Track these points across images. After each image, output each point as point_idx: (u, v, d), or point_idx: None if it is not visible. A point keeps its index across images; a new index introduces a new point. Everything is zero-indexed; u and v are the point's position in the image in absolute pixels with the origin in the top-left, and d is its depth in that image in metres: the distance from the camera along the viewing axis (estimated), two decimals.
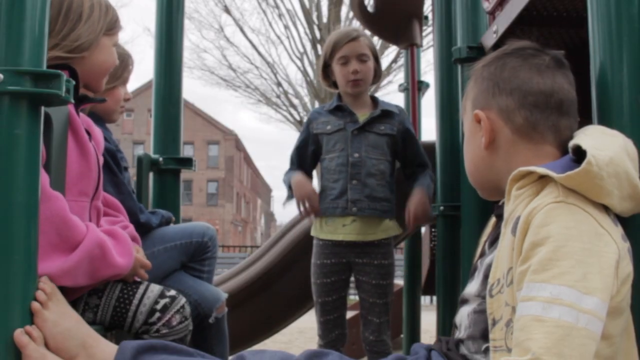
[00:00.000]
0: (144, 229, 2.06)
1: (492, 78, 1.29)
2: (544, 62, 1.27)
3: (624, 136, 1.18)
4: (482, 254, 1.34)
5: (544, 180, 1.11)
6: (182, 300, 1.66)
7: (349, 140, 2.48)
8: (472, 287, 1.31)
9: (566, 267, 1.01)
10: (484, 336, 1.20)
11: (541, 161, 1.19)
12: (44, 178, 1.36)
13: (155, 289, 1.65)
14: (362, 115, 2.53)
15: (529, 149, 1.23)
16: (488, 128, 1.26)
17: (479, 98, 1.30)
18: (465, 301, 1.32)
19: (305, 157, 2.59)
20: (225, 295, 2.19)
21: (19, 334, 1.23)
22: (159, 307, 1.61)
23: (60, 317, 1.34)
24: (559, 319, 0.99)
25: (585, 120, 1.32)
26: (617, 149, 1.12)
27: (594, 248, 1.03)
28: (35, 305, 1.29)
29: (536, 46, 1.31)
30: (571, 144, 1.17)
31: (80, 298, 1.60)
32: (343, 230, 2.45)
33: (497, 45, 2.12)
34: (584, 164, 1.07)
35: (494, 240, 1.29)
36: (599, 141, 1.13)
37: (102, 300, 1.61)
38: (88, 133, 1.66)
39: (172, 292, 1.66)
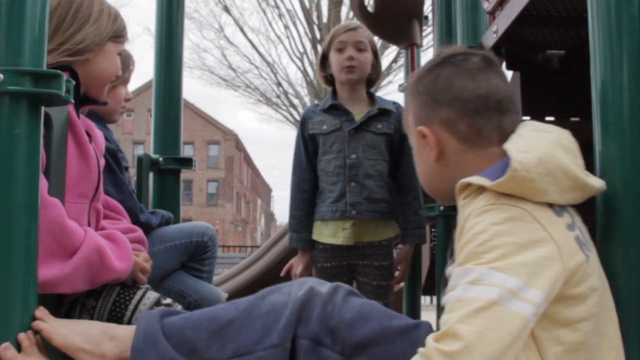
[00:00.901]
0: (144, 229, 2.05)
1: (428, 92, 1.28)
2: (474, 65, 1.27)
3: (559, 129, 1.19)
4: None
5: (483, 188, 1.13)
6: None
7: (346, 141, 2.44)
8: (444, 298, 1.32)
9: (490, 257, 1.02)
10: None
11: (491, 165, 1.20)
12: (42, 184, 1.36)
13: (151, 296, 1.64)
14: (358, 112, 2.49)
15: (478, 155, 1.23)
16: (434, 142, 1.26)
17: (420, 113, 1.30)
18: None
19: (310, 157, 2.55)
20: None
21: (4, 349, 1.21)
22: None
23: (65, 322, 1.34)
24: (479, 296, 0.99)
25: (585, 120, 1.32)
26: (547, 146, 1.13)
27: (524, 242, 1.04)
28: (36, 322, 1.27)
29: (464, 50, 1.32)
30: (503, 147, 1.18)
31: (77, 300, 1.60)
32: (343, 233, 2.43)
33: (497, 45, 2.13)
34: (509, 171, 1.08)
35: (453, 251, 1.30)
36: (528, 141, 1.15)
37: (99, 303, 1.61)
38: (88, 135, 1.66)
39: (168, 301, 1.65)
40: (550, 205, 1.12)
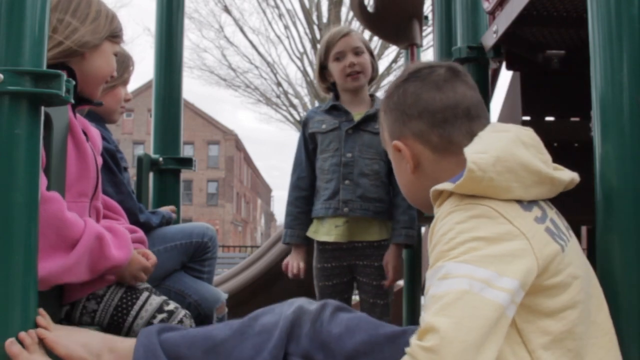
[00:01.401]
0: (144, 229, 2.05)
1: (397, 107, 1.32)
2: (440, 76, 1.30)
3: (518, 127, 1.22)
4: None
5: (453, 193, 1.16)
6: (181, 313, 1.65)
7: (343, 140, 2.46)
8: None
9: (457, 252, 1.05)
10: None
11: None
12: (41, 181, 1.36)
13: (154, 302, 1.64)
14: (358, 113, 2.51)
15: (452, 162, 1.26)
16: (409, 155, 1.29)
17: (393, 129, 1.34)
18: None
19: (309, 157, 2.56)
20: (225, 296, 2.19)
21: (10, 344, 1.23)
22: (156, 321, 1.61)
23: (68, 331, 1.38)
24: (449, 288, 1.01)
25: (585, 120, 1.32)
26: (505, 145, 1.16)
27: (491, 236, 1.06)
28: (40, 330, 1.31)
29: (429, 63, 1.36)
30: (463, 150, 1.21)
31: (78, 302, 1.60)
32: (336, 231, 2.44)
33: (497, 45, 2.13)
34: (465, 172, 1.11)
35: None
36: (485, 142, 1.18)
37: (100, 307, 1.61)
38: (85, 134, 1.66)
39: (171, 306, 1.65)
40: (519, 201, 1.14)
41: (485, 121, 1.29)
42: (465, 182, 1.12)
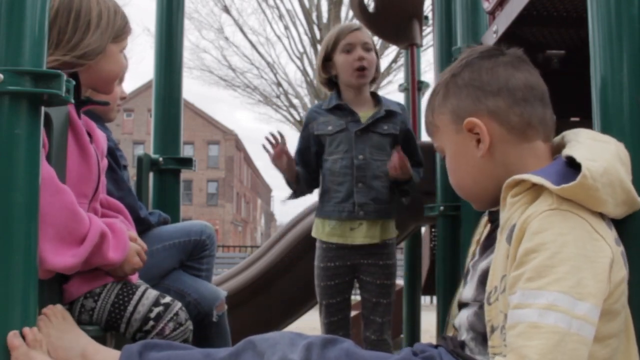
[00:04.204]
0: (144, 225, 2.06)
1: (471, 84, 1.25)
2: (511, 58, 1.26)
3: (615, 141, 1.18)
4: (474, 256, 1.34)
5: (539, 187, 1.11)
6: (177, 306, 1.65)
7: (353, 142, 2.44)
8: (467, 292, 1.30)
9: (561, 273, 1.03)
10: (485, 338, 1.20)
11: (537, 161, 1.20)
12: (51, 171, 1.39)
13: (150, 295, 1.64)
14: (363, 113, 2.49)
15: (525, 148, 1.22)
16: (486, 132, 1.22)
17: (463, 107, 1.25)
18: (463, 305, 1.32)
19: (309, 158, 2.55)
20: (224, 294, 2.19)
21: (12, 336, 1.24)
22: (152, 315, 1.61)
23: (62, 332, 1.39)
24: (555, 325, 1.01)
25: (585, 120, 1.32)
26: (610, 157, 1.12)
27: (589, 253, 1.04)
28: (40, 324, 1.34)
29: (495, 47, 1.31)
30: (564, 153, 1.17)
31: (76, 300, 1.61)
32: (352, 234, 2.43)
33: (497, 45, 2.13)
34: (579, 178, 1.07)
35: (487, 245, 1.28)
36: (591, 150, 1.13)
37: (98, 304, 1.61)
38: (89, 135, 1.66)
39: (167, 299, 1.65)
40: (602, 218, 1.11)
41: (552, 114, 1.25)
42: (574, 187, 1.06)
